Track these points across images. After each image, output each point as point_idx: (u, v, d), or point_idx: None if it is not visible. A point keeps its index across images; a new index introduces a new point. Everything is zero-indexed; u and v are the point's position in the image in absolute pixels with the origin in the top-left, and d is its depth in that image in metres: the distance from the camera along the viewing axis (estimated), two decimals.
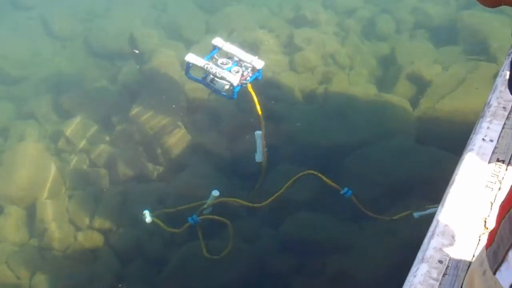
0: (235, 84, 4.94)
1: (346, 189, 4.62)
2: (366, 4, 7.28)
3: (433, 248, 2.45)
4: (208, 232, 4.76)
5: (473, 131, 3.16)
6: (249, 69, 5.08)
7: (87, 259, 4.82)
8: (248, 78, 5.05)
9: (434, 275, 2.35)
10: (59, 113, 6.02)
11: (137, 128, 5.61)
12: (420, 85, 5.92)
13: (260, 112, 5.14)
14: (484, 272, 1.53)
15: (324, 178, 4.71)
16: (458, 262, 2.38)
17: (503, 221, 1.44)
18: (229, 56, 5.17)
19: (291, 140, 5.46)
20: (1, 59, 6.69)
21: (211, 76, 5.03)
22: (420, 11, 6.99)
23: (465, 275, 2.27)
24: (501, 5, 2.90)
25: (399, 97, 5.79)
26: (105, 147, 5.53)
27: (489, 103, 3.28)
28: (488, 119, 3.12)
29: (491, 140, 2.97)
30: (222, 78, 4.96)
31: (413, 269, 2.45)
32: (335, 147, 5.31)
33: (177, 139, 5.51)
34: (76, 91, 6.10)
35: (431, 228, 2.59)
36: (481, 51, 6.26)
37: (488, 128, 3.05)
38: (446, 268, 2.36)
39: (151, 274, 4.68)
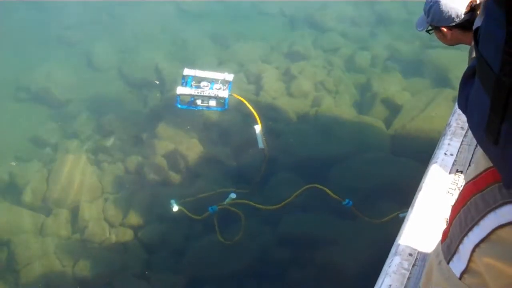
0: (226, 96, 5.20)
1: (347, 200, 4.64)
2: (348, 42, 7.34)
3: (404, 243, 2.45)
4: (223, 223, 4.79)
5: (436, 147, 3.17)
6: (225, 83, 5.31)
7: (120, 250, 4.79)
8: (227, 90, 5.30)
9: (405, 265, 2.35)
10: (99, 130, 6.02)
11: (162, 143, 5.62)
12: (393, 108, 5.96)
13: (253, 110, 5.37)
14: (440, 262, 1.54)
15: (328, 191, 4.72)
16: (425, 255, 2.39)
17: (454, 220, 1.45)
18: (201, 80, 5.37)
19: (287, 153, 5.47)
20: (50, 86, 6.70)
21: (201, 99, 5.22)
22: (392, 48, 7.04)
23: None
24: (460, 43, 2.95)
25: (375, 118, 5.82)
26: (136, 158, 5.52)
27: (449, 123, 3.29)
28: (448, 137, 3.13)
29: (451, 154, 2.98)
30: (214, 96, 5.11)
31: (388, 260, 2.45)
32: (324, 158, 5.33)
33: (194, 152, 5.52)
34: (113, 113, 6.10)
35: (403, 226, 2.60)
36: (442, 80, 6.30)
37: (449, 144, 3.06)
38: (415, 260, 2.37)
39: (173, 262, 4.66)
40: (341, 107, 6.07)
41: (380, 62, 6.87)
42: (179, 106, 5.41)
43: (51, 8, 8.35)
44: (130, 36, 7.68)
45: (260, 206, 4.82)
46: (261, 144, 5.24)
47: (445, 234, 1.53)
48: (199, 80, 5.39)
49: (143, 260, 4.70)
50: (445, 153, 3.00)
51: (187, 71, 5.37)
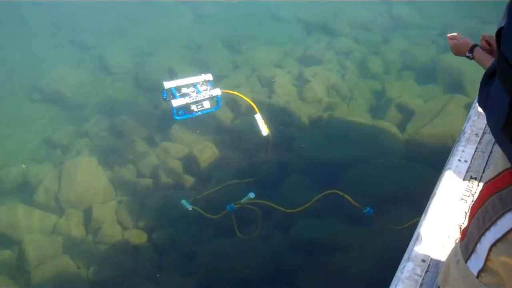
0: (219, 94, 5.28)
1: (368, 208, 4.61)
2: (362, 47, 7.36)
3: (417, 249, 2.46)
4: (239, 222, 4.82)
5: (450, 153, 3.17)
6: (206, 84, 5.38)
7: (132, 253, 4.82)
8: (217, 88, 5.39)
9: (418, 272, 2.35)
10: (111, 133, 6.06)
11: (176, 145, 5.64)
12: (406, 114, 5.95)
13: (248, 100, 5.60)
14: (458, 261, 1.56)
15: (349, 198, 4.70)
16: (438, 262, 2.39)
17: (472, 219, 1.47)
18: (183, 87, 5.37)
19: (300, 157, 5.48)
20: (63, 88, 6.76)
21: (195, 104, 5.22)
22: (406, 53, 7.06)
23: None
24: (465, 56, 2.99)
25: (389, 123, 5.81)
26: (149, 161, 5.55)
27: (464, 130, 3.29)
28: (463, 143, 3.13)
29: (466, 161, 2.98)
30: (208, 98, 5.19)
31: (400, 266, 2.45)
32: (337, 163, 5.33)
33: (207, 155, 5.54)
34: (126, 115, 6.13)
35: (416, 233, 2.60)
36: (455, 86, 6.29)
37: (463, 151, 3.06)
38: (428, 266, 2.37)
39: (184, 265, 4.68)
40: (354, 112, 6.08)
41: (394, 67, 6.89)
42: (176, 118, 5.41)
43: (67, 11, 8.44)
44: (145, 39, 7.74)
45: (279, 208, 4.82)
46: (264, 131, 5.30)
47: (464, 233, 1.55)
48: (180, 89, 5.39)
49: (155, 262, 4.73)
50: (459, 160, 3.00)
51: (167, 84, 5.36)
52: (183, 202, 4.94)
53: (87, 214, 5.15)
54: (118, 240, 4.90)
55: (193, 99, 5.20)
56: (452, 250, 1.68)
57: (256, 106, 5.83)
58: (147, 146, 5.79)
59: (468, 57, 3.08)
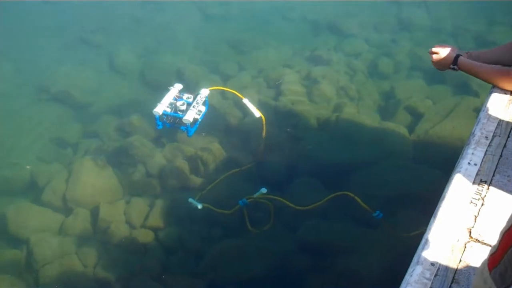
0: (207, 93, 5.15)
1: (378, 212, 4.61)
2: (371, 48, 7.36)
3: (426, 252, 2.45)
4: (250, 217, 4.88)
5: (460, 156, 3.15)
6: (183, 92, 5.19)
7: (139, 252, 4.85)
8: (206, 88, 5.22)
9: (427, 275, 2.35)
10: (119, 132, 6.08)
11: (183, 146, 5.65)
12: (415, 115, 5.94)
13: (231, 90, 5.72)
14: None
15: (359, 201, 4.69)
16: (447, 265, 2.38)
17: (510, 248, 1.40)
18: (171, 103, 5.14)
19: (308, 158, 5.49)
20: (71, 88, 6.79)
21: (196, 111, 5.03)
22: (415, 54, 7.04)
23: (453, 277, 2.28)
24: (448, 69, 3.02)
25: (398, 124, 5.80)
26: (157, 161, 5.57)
27: (473, 133, 3.27)
28: (472, 146, 3.11)
29: (475, 164, 2.97)
30: (201, 102, 5.04)
31: (409, 269, 2.45)
32: (345, 165, 5.33)
33: (215, 155, 5.55)
34: (134, 115, 6.15)
35: (425, 236, 2.60)
36: (465, 88, 6.28)
37: (472, 154, 3.05)
38: (437, 270, 2.37)
39: (192, 265, 4.71)
40: (363, 113, 6.07)
41: (403, 69, 6.88)
42: (191, 134, 5.29)
43: (75, 11, 8.48)
44: (153, 39, 7.77)
45: (290, 204, 4.83)
46: (256, 113, 5.31)
47: (496, 260, 1.47)
48: (171, 107, 5.18)
49: (162, 262, 4.76)
50: (468, 163, 2.98)
51: (159, 109, 5.06)
52: (191, 200, 4.96)
53: (95, 214, 5.18)
54: (125, 240, 4.93)
55: (198, 105, 5.08)
56: (478, 276, 1.60)
57: (263, 106, 5.84)
58: (155, 146, 5.81)
59: (452, 69, 3.09)
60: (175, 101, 4.79)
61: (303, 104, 6.22)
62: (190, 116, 4.69)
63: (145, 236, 4.93)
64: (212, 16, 8.35)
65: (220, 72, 6.90)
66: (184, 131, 4.82)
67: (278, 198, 4.88)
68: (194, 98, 4.85)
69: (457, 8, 8.09)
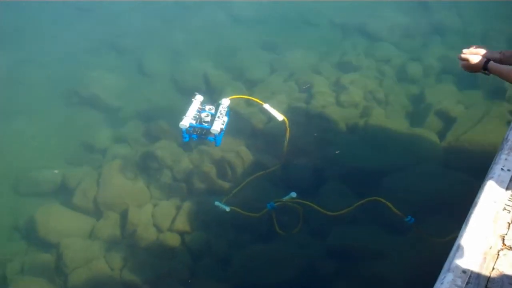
0: (228, 103, 4.97)
1: (409, 217, 4.54)
2: (400, 52, 7.27)
3: (458, 260, 2.41)
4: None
5: (493, 162, 3.10)
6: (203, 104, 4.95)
7: (167, 256, 4.87)
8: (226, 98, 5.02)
9: (459, 283, 2.30)
10: (148, 137, 6.13)
11: (210, 150, 5.66)
12: (446, 121, 5.84)
13: (251, 98, 5.67)
14: None
15: (390, 206, 4.63)
16: (479, 273, 2.34)
17: None
18: (195, 115, 4.85)
19: (336, 163, 5.44)
20: (101, 92, 6.87)
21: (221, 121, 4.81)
22: (446, 58, 6.93)
23: (486, 285, 2.23)
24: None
25: (428, 130, 5.72)
26: (184, 165, 5.59)
27: (507, 138, 3.22)
28: (506, 152, 3.06)
29: (509, 170, 2.91)
30: (224, 112, 4.88)
31: (440, 276, 2.41)
32: (374, 170, 5.27)
33: (242, 159, 5.55)
34: (162, 119, 6.20)
35: (456, 242, 2.55)
36: (497, 92, 6.15)
37: (506, 159, 2.99)
38: (469, 277, 2.32)
39: (218, 270, 4.71)
40: (392, 118, 6.00)
41: (434, 73, 6.77)
42: (219, 143, 4.99)
43: (104, 15, 8.57)
44: (181, 42, 7.80)
45: (320, 209, 4.78)
46: (279, 117, 5.22)
47: None
48: (195, 118, 4.87)
49: (189, 266, 4.77)
50: (501, 168, 2.93)
51: (185, 121, 4.76)
52: (217, 203, 4.96)
53: (123, 217, 5.22)
54: (152, 243, 4.96)
55: (220, 116, 4.96)
56: None
57: (293, 110, 5.82)
58: (182, 150, 5.83)
59: (484, 73, 3.04)
60: (199, 113, 4.81)
61: (332, 108, 6.17)
62: (217, 126, 4.70)
63: (172, 240, 4.95)
64: (239, 19, 8.34)
65: (248, 77, 6.89)
66: (212, 141, 4.82)
67: (308, 203, 4.84)
68: (217, 109, 4.85)
69: (488, 9, 7.94)
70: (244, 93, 6.39)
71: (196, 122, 4.75)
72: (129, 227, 5.10)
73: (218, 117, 4.75)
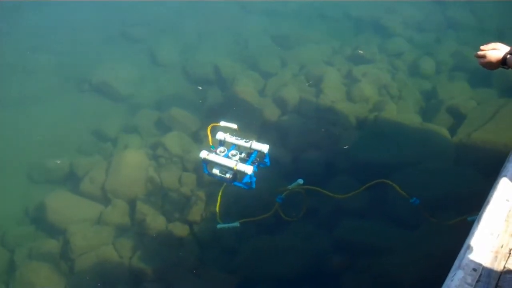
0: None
1: (414, 198, 4.47)
2: (413, 47, 7.21)
3: (468, 257, 2.38)
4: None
5: (506, 159, 3.05)
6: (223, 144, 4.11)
7: (175, 245, 4.87)
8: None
9: (469, 280, 2.27)
10: (159, 126, 6.13)
11: None
12: (458, 117, 5.78)
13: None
14: None
15: (396, 187, 4.57)
16: (490, 271, 2.31)
17: None
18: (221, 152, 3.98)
19: (346, 157, 5.40)
20: (113, 80, 6.87)
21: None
22: (459, 54, 6.86)
23: (496, 283, 2.20)
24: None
25: (439, 125, 5.65)
26: (194, 156, 5.56)
27: None
28: None
29: None
30: (251, 150, 4.01)
31: (450, 274, 2.38)
32: (384, 165, 5.21)
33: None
34: (173, 109, 6.19)
35: (467, 240, 2.52)
36: (510, 89, 6.07)
37: None
38: (480, 275, 2.29)
39: (226, 260, 4.70)
40: (403, 113, 5.95)
41: (446, 69, 6.70)
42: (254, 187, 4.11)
43: (117, 5, 8.57)
44: (193, 33, 7.79)
45: (328, 193, 4.71)
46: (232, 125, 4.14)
47: None
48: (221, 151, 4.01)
49: (196, 255, 4.76)
50: None
51: (203, 154, 3.96)
52: (220, 226, 4.54)
53: (132, 206, 5.22)
54: (161, 232, 4.96)
55: (247, 156, 4.06)
56: None
57: (303, 104, 5.77)
58: (192, 141, 5.82)
59: (503, 68, 2.98)
60: (233, 151, 3.97)
61: (342, 102, 6.13)
62: (243, 167, 3.86)
63: (181, 230, 4.94)
64: (252, 12, 8.32)
65: (260, 69, 6.87)
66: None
67: (313, 188, 4.75)
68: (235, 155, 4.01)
69: (502, 8, 7.84)
70: (260, 82, 6.36)
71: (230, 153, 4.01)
72: (138, 216, 5.10)
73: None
